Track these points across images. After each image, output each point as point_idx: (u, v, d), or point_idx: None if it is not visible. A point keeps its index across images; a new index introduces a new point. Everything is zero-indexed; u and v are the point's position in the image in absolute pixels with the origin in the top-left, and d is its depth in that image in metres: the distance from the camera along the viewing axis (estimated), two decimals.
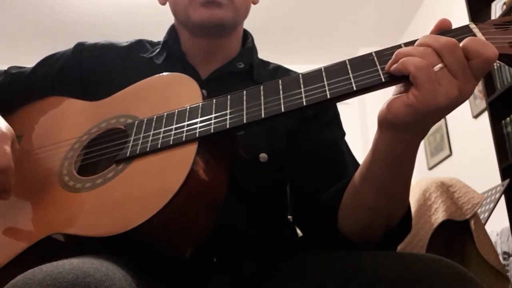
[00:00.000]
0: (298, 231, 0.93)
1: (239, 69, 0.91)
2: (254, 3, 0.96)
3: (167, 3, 0.95)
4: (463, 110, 3.29)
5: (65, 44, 1.13)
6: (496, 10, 2.80)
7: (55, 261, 0.53)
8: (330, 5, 4.02)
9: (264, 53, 1.02)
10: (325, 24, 4.28)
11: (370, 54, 0.63)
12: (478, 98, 3.15)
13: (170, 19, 0.96)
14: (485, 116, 2.87)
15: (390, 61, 0.60)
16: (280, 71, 0.97)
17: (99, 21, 4.07)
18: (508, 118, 2.61)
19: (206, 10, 0.85)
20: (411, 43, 0.62)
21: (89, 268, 0.51)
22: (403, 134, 0.62)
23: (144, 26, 3.87)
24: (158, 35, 1.16)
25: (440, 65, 0.57)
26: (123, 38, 1.17)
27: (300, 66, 2.19)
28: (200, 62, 0.91)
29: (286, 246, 0.86)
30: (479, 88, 2.99)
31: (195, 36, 0.90)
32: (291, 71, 0.97)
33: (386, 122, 0.62)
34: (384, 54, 0.62)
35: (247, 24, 0.97)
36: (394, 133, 0.63)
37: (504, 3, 2.72)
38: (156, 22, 2.90)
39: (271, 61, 1.01)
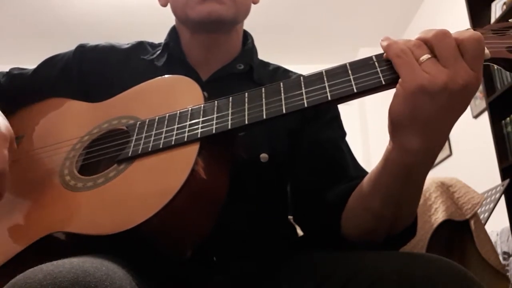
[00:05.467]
0: (298, 231, 0.93)
1: (239, 71, 0.91)
2: (255, 3, 0.96)
3: (168, 5, 0.95)
4: None
5: (65, 44, 1.14)
6: (496, 10, 2.80)
7: (55, 260, 0.53)
8: (330, 5, 4.02)
9: (264, 53, 1.03)
10: (325, 24, 4.28)
11: (371, 58, 0.64)
12: (478, 98, 3.16)
13: (169, 19, 0.97)
14: (485, 116, 2.87)
15: None
16: (280, 72, 0.97)
17: (99, 21, 4.08)
18: (508, 118, 2.61)
19: (204, 6, 0.85)
20: None
21: (89, 267, 0.51)
22: (407, 135, 0.61)
23: (143, 26, 3.88)
24: (157, 35, 1.16)
25: (427, 55, 0.58)
26: (123, 38, 1.17)
27: (300, 66, 2.20)
28: (201, 63, 0.91)
29: (286, 246, 0.86)
30: (479, 88, 2.99)
31: (195, 33, 0.90)
32: (291, 71, 0.98)
33: (389, 125, 0.62)
34: (384, 58, 0.63)
35: (247, 24, 0.97)
36: (400, 138, 0.62)
37: (504, 3, 2.72)
38: (155, 22, 2.90)
39: (271, 61, 1.01)
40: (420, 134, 0.61)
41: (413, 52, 0.59)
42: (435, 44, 0.58)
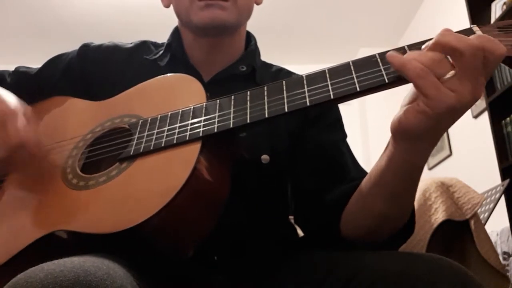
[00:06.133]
0: (299, 231, 0.93)
1: (241, 72, 0.92)
2: (258, 4, 0.96)
3: (171, 6, 0.95)
4: None
5: (65, 44, 1.14)
6: (496, 10, 2.80)
7: (57, 259, 0.53)
8: (330, 5, 4.02)
9: (265, 53, 1.03)
10: (325, 24, 4.28)
11: (374, 56, 0.63)
12: None
13: (170, 20, 0.97)
14: (485, 116, 2.87)
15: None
16: (282, 73, 0.97)
17: (99, 21, 4.07)
18: (508, 118, 2.61)
19: (207, 12, 0.85)
20: (415, 45, 0.61)
21: (90, 266, 0.51)
22: (420, 143, 0.62)
23: (144, 26, 3.88)
24: (158, 35, 1.16)
25: (451, 72, 0.56)
26: (123, 38, 1.17)
27: (301, 66, 2.19)
28: (203, 64, 0.91)
29: (286, 246, 0.86)
30: None
31: (198, 36, 0.91)
32: (293, 73, 0.97)
33: (401, 133, 0.62)
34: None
35: (247, 24, 0.97)
36: (410, 143, 0.62)
37: (504, 3, 2.72)
38: (156, 22, 2.90)
39: (271, 61, 1.01)
40: (432, 137, 0.62)
41: (433, 70, 0.56)
42: (466, 58, 0.55)
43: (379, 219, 0.72)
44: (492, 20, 2.80)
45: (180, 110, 0.72)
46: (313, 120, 0.89)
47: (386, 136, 0.65)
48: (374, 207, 0.71)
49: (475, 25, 0.62)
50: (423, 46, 0.59)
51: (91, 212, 0.68)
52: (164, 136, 0.69)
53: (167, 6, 0.95)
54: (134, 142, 0.71)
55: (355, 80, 0.62)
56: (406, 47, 0.62)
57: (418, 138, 0.61)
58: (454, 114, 0.57)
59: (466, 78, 0.55)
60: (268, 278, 0.78)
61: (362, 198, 0.74)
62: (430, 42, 0.58)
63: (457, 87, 0.55)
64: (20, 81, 0.94)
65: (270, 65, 0.99)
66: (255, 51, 0.96)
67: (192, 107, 0.72)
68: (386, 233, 0.74)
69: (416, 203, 1.38)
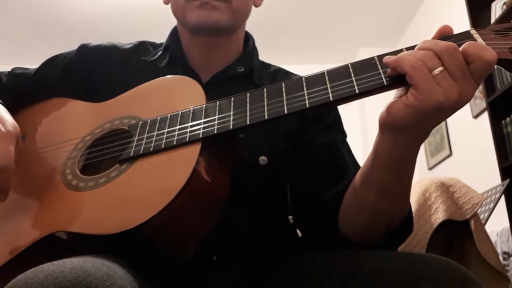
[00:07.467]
0: (298, 232, 0.93)
1: (239, 73, 0.92)
2: (256, 6, 0.95)
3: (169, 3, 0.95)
4: (463, 110, 3.27)
5: (65, 44, 1.14)
6: (496, 10, 2.80)
7: (57, 260, 0.53)
8: (330, 5, 4.02)
9: (264, 53, 1.03)
10: (325, 24, 4.28)
11: (373, 58, 0.64)
12: (478, 98, 3.16)
13: (169, 19, 0.97)
14: (485, 116, 2.87)
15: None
16: (280, 74, 0.97)
17: (99, 21, 4.07)
18: (508, 118, 2.62)
19: (201, 11, 0.85)
20: (413, 47, 0.62)
21: (90, 267, 0.51)
22: (403, 136, 0.63)
23: (143, 26, 3.88)
24: (158, 35, 1.16)
25: (440, 68, 0.58)
26: (123, 38, 1.17)
27: (300, 66, 2.19)
28: (201, 64, 0.92)
29: (286, 246, 0.86)
30: (479, 88, 2.98)
31: (194, 36, 0.91)
32: (292, 73, 0.97)
33: (387, 124, 0.63)
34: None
35: (246, 24, 0.97)
36: (395, 135, 0.63)
37: (504, 3, 2.72)
38: (155, 22, 2.90)
39: (270, 61, 1.01)
40: (415, 133, 0.63)
41: (426, 64, 0.58)
42: (445, 58, 0.58)
43: (372, 214, 0.72)
44: (492, 20, 2.80)
45: (180, 112, 0.72)
46: (311, 121, 0.89)
47: None
48: (366, 200, 0.72)
49: (472, 28, 0.63)
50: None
51: (91, 213, 0.68)
52: (164, 138, 0.69)
53: (166, 2, 0.96)
54: (134, 144, 0.71)
55: (354, 83, 0.62)
56: (404, 49, 0.63)
57: (402, 131, 0.62)
58: (440, 112, 0.59)
59: (453, 77, 0.58)
60: (268, 278, 0.78)
61: (354, 192, 0.74)
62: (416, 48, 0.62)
63: (445, 84, 0.57)
64: (17, 83, 0.94)
65: (268, 65, 1.00)
66: (253, 52, 0.96)
67: (192, 109, 0.72)
68: (382, 230, 0.74)
69: (416, 203, 1.38)
